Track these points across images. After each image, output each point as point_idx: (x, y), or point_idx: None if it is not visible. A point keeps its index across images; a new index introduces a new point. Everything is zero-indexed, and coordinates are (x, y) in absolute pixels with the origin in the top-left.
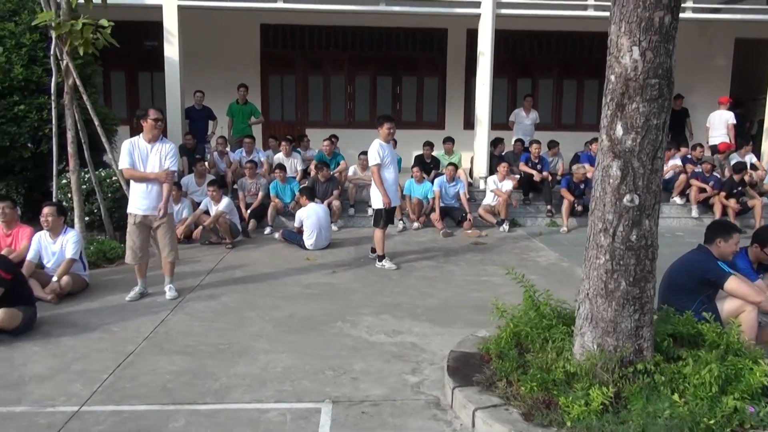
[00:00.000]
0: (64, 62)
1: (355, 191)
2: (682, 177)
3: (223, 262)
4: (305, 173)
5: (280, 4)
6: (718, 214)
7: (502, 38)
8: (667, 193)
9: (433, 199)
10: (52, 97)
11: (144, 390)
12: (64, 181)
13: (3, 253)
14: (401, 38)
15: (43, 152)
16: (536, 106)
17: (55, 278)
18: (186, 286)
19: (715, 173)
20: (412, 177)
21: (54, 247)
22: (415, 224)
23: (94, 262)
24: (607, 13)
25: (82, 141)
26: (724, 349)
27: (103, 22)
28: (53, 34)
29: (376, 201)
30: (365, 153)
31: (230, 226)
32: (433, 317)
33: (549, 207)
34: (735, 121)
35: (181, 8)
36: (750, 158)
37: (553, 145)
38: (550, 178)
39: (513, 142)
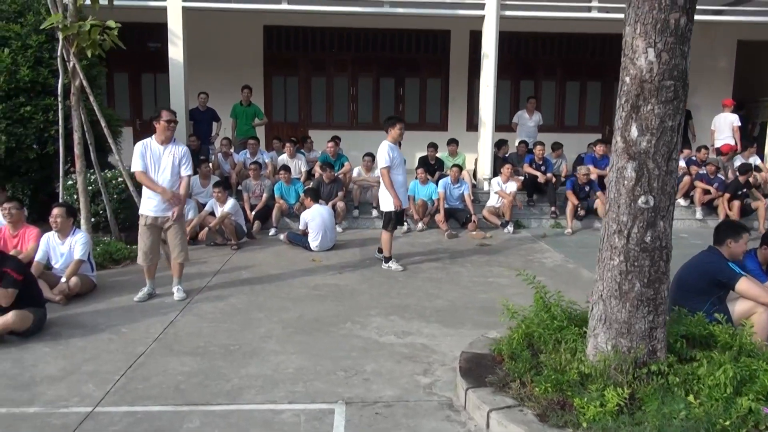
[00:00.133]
0: (71, 63)
1: (359, 192)
2: (686, 179)
3: (229, 263)
4: (309, 174)
5: (284, 6)
6: (722, 216)
7: (505, 39)
8: None
9: (438, 200)
10: (59, 99)
11: (156, 391)
12: (70, 182)
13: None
14: (404, 40)
15: (49, 153)
16: (539, 108)
17: (63, 279)
18: (193, 287)
19: (719, 175)
20: (416, 178)
21: (62, 248)
22: (420, 225)
23: (101, 263)
24: (610, 15)
25: (89, 142)
26: (737, 350)
27: (111, 23)
28: (60, 36)
29: (386, 203)
30: (369, 154)
31: (235, 228)
32: (441, 318)
33: (553, 208)
34: (740, 123)
35: (185, 10)
36: (754, 160)
37: (557, 146)
38: (554, 179)
39: (516, 144)
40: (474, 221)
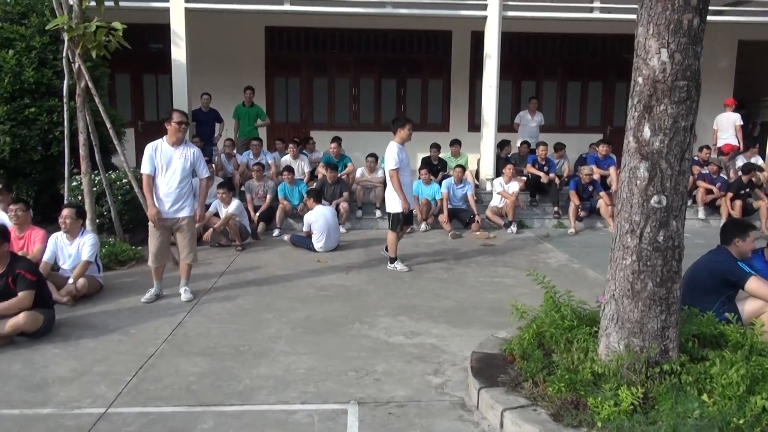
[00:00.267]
0: (76, 65)
1: (362, 193)
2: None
3: (234, 264)
4: (312, 175)
5: (287, 6)
6: (724, 216)
7: (506, 40)
8: None
9: (441, 200)
10: (64, 100)
11: (169, 392)
12: (74, 183)
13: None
14: (405, 40)
15: (53, 155)
16: (540, 108)
17: (71, 280)
18: (199, 288)
19: (721, 175)
20: (419, 179)
21: (71, 249)
22: (423, 226)
23: (106, 264)
24: (612, 15)
25: (93, 143)
26: (748, 349)
27: (116, 24)
28: (65, 37)
29: (394, 205)
30: (373, 155)
31: (240, 229)
32: (450, 319)
33: (556, 209)
34: (742, 123)
35: (188, 11)
36: (756, 160)
37: (559, 147)
38: (557, 180)
39: (519, 144)
40: (477, 221)
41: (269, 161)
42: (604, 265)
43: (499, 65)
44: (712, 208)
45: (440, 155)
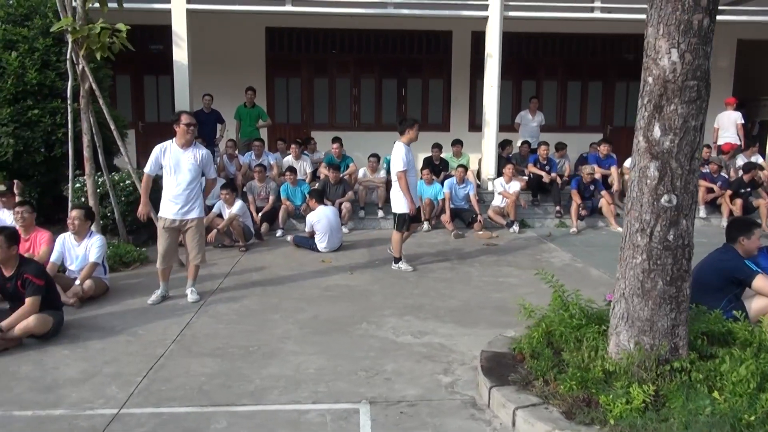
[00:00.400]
0: (80, 66)
1: (365, 193)
2: None
3: (238, 265)
4: (314, 176)
5: (288, 7)
6: (725, 214)
7: (507, 40)
8: None
9: (443, 200)
10: (68, 101)
11: (180, 392)
12: (78, 185)
13: None
14: (406, 41)
15: (56, 156)
16: (541, 108)
17: (77, 282)
18: (205, 289)
19: (722, 173)
20: (421, 179)
21: (78, 250)
22: (425, 226)
23: (111, 266)
24: (613, 16)
25: (97, 145)
26: (757, 346)
27: (120, 26)
28: (69, 39)
29: (399, 205)
30: (375, 155)
31: (243, 229)
32: (456, 318)
33: (558, 208)
34: (743, 121)
35: (189, 12)
36: (756, 159)
37: (560, 146)
38: (558, 179)
39: (519, 144)
40: (480, 221)
41: (271, 162)
42: (608, 264)
43: (500, 65)
44: (713, 206)
45: (442, 155)
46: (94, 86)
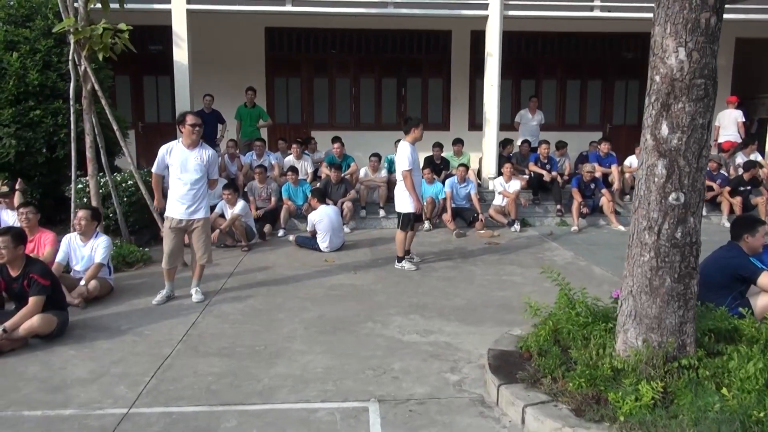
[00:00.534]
0: (83, 67)
1: (366, 193)
2: None
3: (241, 265)
4: (315, 175)
5: (288, 7)
6: (725, 212)
7: (506, 39)
8: None
9: (444, 199)
10: (71, 102)
11: (189, 392)
12: (80, 185)
13: None
14: (405, 40)
15: (58, 157)
16: (540, 107)
17: (82, 282)
18: (209, 289)
19: (722, 171)
20: (422, 178)
21: (84, 251)
22: (426, 225)
23: (114, 266)
24: (612, 14)
25: (99, 146)
26: (763, 343)
27: (122, 26)
28: (71, 40)
29: (404, 205)
30: (376, 155)
31: (246, 229)
32: (461, 317)
33: (558, 207)
34: (744, 119)
35: (189, 12)
36: (756, 156)
37: (561, 145)
38: (559, 178)
39: (520, 143)
40: (481, 220)
41: (273, 162)
42: (610, 263)
43: (500, 64)
44: (713, 204)
45: (443, 154)
46: (96, 87)
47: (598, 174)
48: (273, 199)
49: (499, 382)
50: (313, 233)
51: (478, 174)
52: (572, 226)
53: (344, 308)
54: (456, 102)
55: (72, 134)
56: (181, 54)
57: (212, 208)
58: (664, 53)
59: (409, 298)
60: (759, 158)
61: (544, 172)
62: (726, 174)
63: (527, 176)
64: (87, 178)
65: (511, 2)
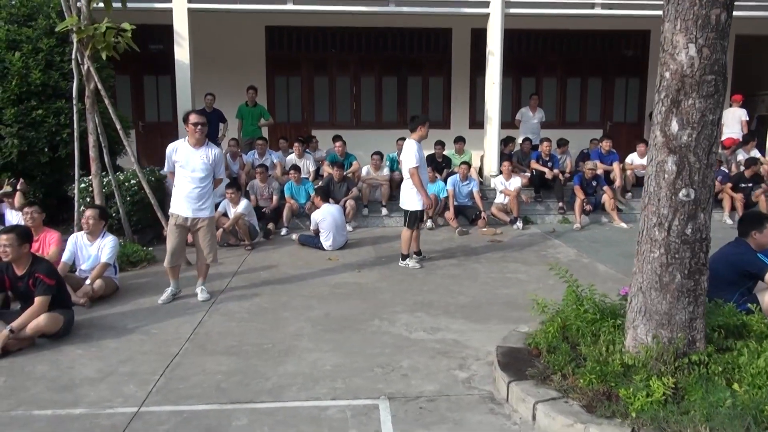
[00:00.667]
0: (85, 66)
1: (368, 191)
2: None
3: (245, 263)
4: (317, 174)
5: (289, 6)
6: (727, 209)
7: (506, 37)
8: None
9: (446, 198)
10: (74, 102)
11: (198, 390)
12: (83, 185)
13: None
14: (405, 39)
15: (61, 157)
16: (541, 105)
17: (88, 281)
18: (214, 288)
19: (722, 168)
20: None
21: (91, 250)
22: (429, 223)
23: (119, 265)
24: (614, 11)
25: (102, 145)
26: None
27: (126, 25)
28: (74, 39)
29: (411, 203)
30: (378, 153)
31: (249, 228)
32: (467, 314)
33: (561, 204)
34: (747, 118)
35: (191, 11)
36: (755, 153)
37: (562, 143)
38: (561, 175)
39: (521, 141)
40: (484, 218)
41: (274, 161)
42: (614, 260)
43: (502, 62)
44: (714, 201)
45: (444, 152)
46: (99, 86)
47: (599, 171)
48: (275, 197)
49: (509, 379)
50: (317, 232)
51: (480, 172)
52: (574, 223)
53: (350, 306)
54: (456, 100)
55: (75, 133)
56: (182, 53)
57: (215, 206)
58: (674, 49)
59: (414, 295)
60: (758, 155)
61: (546, 170)
62: (727, 171)
63: (529, 174)
64: (90, 177)
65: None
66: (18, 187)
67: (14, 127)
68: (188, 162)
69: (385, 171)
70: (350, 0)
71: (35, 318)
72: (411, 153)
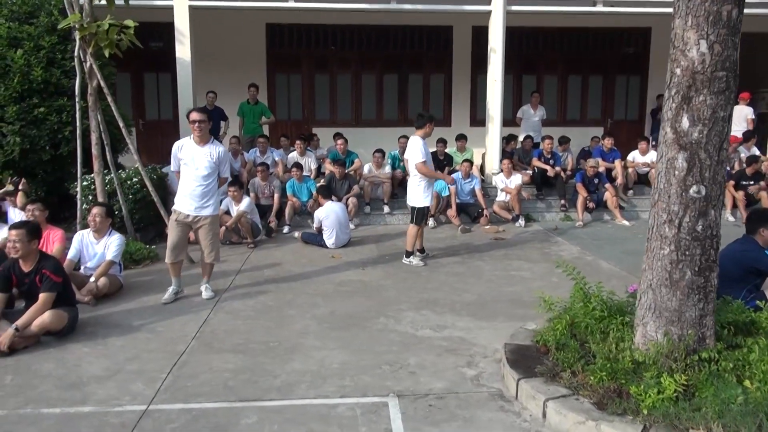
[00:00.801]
0: (88, 64)
1: (370, 189)
2: None
3: (248, 261)
4: (318, 171)
5: (291, 4)
6: (728, 207)
7: (507, 35)
8: None
9: (448, 195)
10: (77, 99)
11: (207, 388)
12: (85, 183)
13: None
14: (406, 36)
15: (62, 155)
16: (542, 102)
17: (92, 279)
18: (218, 286)
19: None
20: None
21: (97, 248)
22: (431, 221)
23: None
24: (615, 9)
25: (105, 143)
26: None
27: (128, 22)
28: (77, 36)
29: (417, 199)
30: (380, 151)
31: (251, 226)
32: (472, 312)
33: (563, 202)
34: (753, 116)
35: (192, 8)
36: (754, 151)
37: (564, 140)
38: (562, 173)
39: (522, 139)
40: (486, 215)
41: (276, 159)
42: (617, 257)
43: (504, 60)
44: None
45: (446, 150)
46: (102, 84)
47: (601, 169)
48: (276, 196)
49: (519, 377)
50: (320, 229)
51: (481, 170)
52: (576, 221)
53: (355, 304)
54: (457, 98)
55: (78, 131)
56: (183, 50)
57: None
58: (685, 46)
59: (419, 293)
60: (757, 152)
61: (547, 168)
62: (729, 168)
63: (530, 172)
64: (92, 175)
65: None
66: (20, 187)
67: (16, 124)
68: (193, 160)
69: (387, 169)
70: None
71: (40, 315)
72: (417, 149)
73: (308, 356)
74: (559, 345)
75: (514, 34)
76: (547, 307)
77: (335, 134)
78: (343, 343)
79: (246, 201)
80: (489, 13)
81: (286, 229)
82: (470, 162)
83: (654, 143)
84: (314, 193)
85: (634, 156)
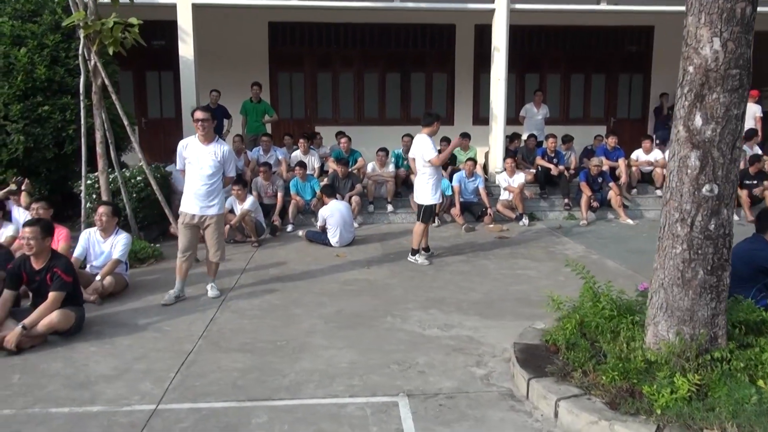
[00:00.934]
0: (92, 62)
1: (373, 188)
2: None
3: (253, 260)
4: (322, 170)
5: (294, 2)
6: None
7: (510, 33)
8: None
9: (452, 194)
10: (81, 98)
11: (216, 387)
12: (89, 181)
13: None
14: (409, 35)
15: (66, 153)
16: (545, 101)
17: (98, 278)
18: (224, 285)
19: None
20: None
21: (103, 246)
22: (435, 220)
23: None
24: (618, 7)
25: (109, 141)
26: None
27: (133, 20)
28: (81, 34)
29: (426, 197)
30: (383, 149)
31: (255, 225)
32: (480, 311)
33: (566, 200)
34: (762, 114)
35: (195, 7)
36: (756, 150)
37: (567, 139)
38: (566, 172)
39: (525, 138)
40: (490, 214)
41: (279, 157)
42: (622, 256)
43: (507, 58)
44: None
45: None
46: (106, 81)
47: (605, 167)
48: (279, 195)
49: (529, 376)
50: (324, 228)
51: (485, 168)
52: (580, 220)
53: (361, 303)
54: (460, 96)
55: (82, 129)
56: (186, 49)
57: None
58: (698, 43)
59: (425, 292)
60: (758, 151)
61: (551, 166)
62: None
63: (534, 170)
64: (96, 173)
65: None
66: (23, 187)
67: (20, 123)
68: (197, 159)
69: (390, 167)
70: None
71: (48, 314)
72: (427, 145)
73: (316, 355)
74: (569, 344)
75: (517, 33)
76: (556, 306)
77: (338, 133)
78: (350, 342)
79: (250, 200)
80: (492, 11)
81: (290, 228)
82: (474, 161)
83: (657, 142)
84: (318, 192)
85: (638, 154)
